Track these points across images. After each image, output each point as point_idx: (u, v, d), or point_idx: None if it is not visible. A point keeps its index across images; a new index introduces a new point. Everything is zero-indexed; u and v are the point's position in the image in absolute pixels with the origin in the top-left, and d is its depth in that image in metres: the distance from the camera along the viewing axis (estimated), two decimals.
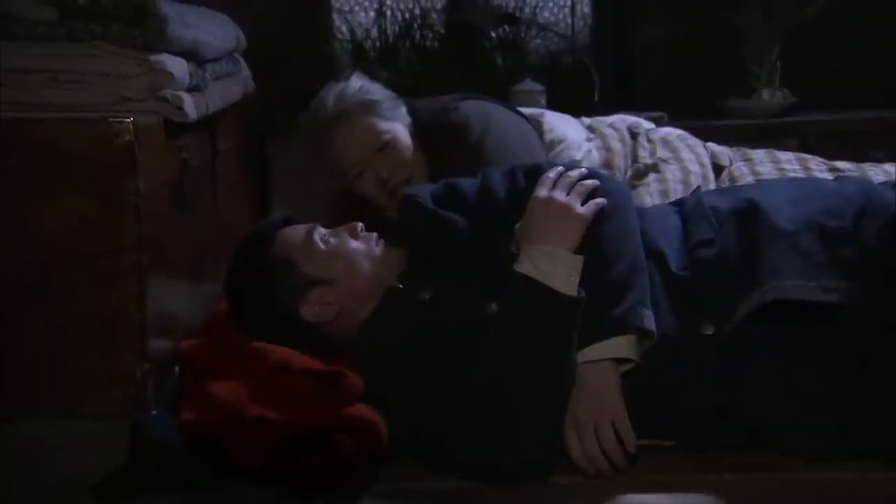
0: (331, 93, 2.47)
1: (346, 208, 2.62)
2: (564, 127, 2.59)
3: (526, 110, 2.68)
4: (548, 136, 2.55)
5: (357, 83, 2.49)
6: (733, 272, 1.74)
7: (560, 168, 1.87)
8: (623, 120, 2.73)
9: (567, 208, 1.78)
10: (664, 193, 2.45)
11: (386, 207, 2.46)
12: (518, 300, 1.74)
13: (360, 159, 2.44)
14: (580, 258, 1.74)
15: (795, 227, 1.75)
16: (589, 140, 2.59)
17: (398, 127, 2.47)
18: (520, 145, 2.44)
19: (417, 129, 2.50)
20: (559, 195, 1.80)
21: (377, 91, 2.49)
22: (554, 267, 1.73)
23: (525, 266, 1.75)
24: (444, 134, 2.45)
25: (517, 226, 1.83)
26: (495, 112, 2.52)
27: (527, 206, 1.83)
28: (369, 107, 2.44)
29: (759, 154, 2.62)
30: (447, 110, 2.47)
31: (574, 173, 1.85)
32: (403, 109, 2.51)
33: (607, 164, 2.53)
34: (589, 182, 1.84)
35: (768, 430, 1.70)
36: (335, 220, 2.23)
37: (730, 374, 1.70)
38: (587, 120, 2.73)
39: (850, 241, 1.74)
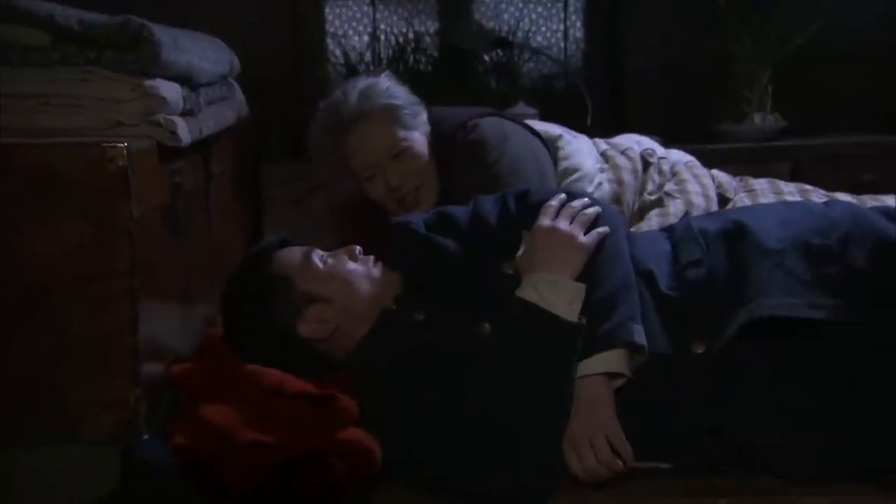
0: (356, 88, 2.44)
1: (347, 212, 2.60)
2: (581, 156, 2.55)
3: (541, 127, 2.64)
4: (563, 164, 2.51)
5: (385, 84, 2.46)
6: (722, 291, 1.76)
7: (563, 196, 1.90)
8: (639, 144, 2.67)
9: (570, 238, 1.81)
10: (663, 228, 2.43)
11: (391, 212, 2.44)
12: (519, 325, 1.75)
13: (374, 163, 2.43)
14: (582, 286, 1.76)
15: (782, 245, 1.77)
16: (602, 171, 2.56)
17: (416, 136, 2.45)
18: (533, 170, 2.42)
19: (434, 140, 2.48)
20: (562, 224, 1.83)
21: (402, 95, 2.47)
22: (556, 294, 1.74)
23: (527, 292, 1.76)
24: (461, 151, 2.43)
25: (518, 253, 1.85)
26: (513, 134, 2.49)
27: (518, 232, 1.86)
28: (391, 112, 2.42)
29: (761, 184, 2.58)
30: (466, 127, 2.45)
31: (577, 203, 1.87)
32: (424, 117, 2.49)
33: (616, 198, 2.51)
34: (591, 211, 1.86)
35: (757, 448, 1.70)
36: (336, 228, 2.23)
37: (720, 393, 1.70)
38: (602, 145, 2.67)
39: (835, 260, 1.75)
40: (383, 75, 2.51)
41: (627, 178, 2.56)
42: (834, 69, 3.67)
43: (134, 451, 1.67)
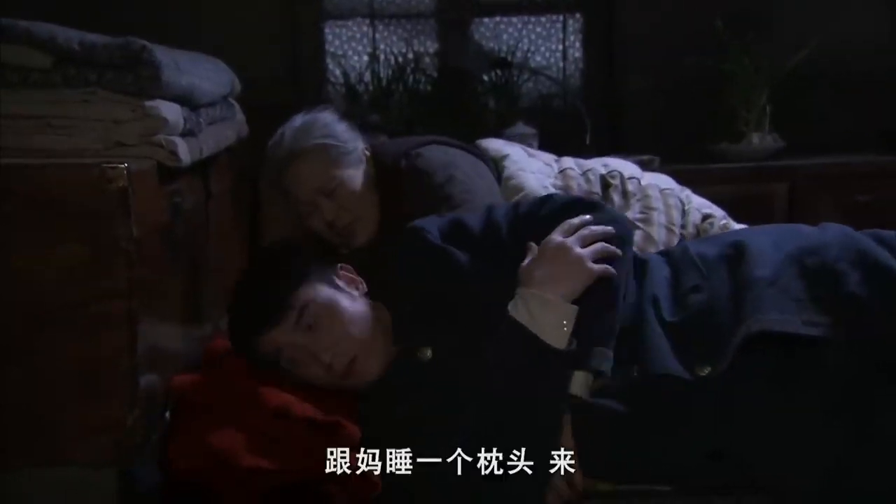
0: (292, 127, 2.52)
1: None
2: (524, 174, 2.57)
3: (493, 145, 2.68)
4: (507, 183, 2.55)
5: (321, 122, 2.52)
6: (722, 314, 1.76)
7: (587, 218, 1.84)
8: (605, 165, 2.66)
9: (579, 261, 1.77)
10: None
11: (336, 245, 2.53)
12: (505, 344, 1.74)
13: (308, 200, 2.50)
14: (575, 308, 1.73)
15: (777, 266, 1.78)
16: (555, 186, 2.56)
17: (349, 173, 2.50)
18: (482, 188, 2.46)
19: (378, 171, 2.53)
20: (574, 245, 1.78)
21: (336, 133, 2.52)
22: (546, 315, 1.72)
23: (518, 309, 1.74)
24: (409, 177, 2.47)
25: (524, 263, 1.80)
26: (457, 157, 2.53)
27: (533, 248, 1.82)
28: (322, 151, 2.48)
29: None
30: (409, 155, 2.50)
31: (598, 229, 1.82)
32: (359, 153, 2.53)
33: None
34: (611, 248, 1.81)
35: (760, 471, 1.69)
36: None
37: (724, 415, 1.70)
38: (568, 161, 2.68)
39: (829, 280, 1.75)
40: (325, 112, 2.57)
41: None
42: (832, 89, 3.69)
43: (131, 475, 1.66)
